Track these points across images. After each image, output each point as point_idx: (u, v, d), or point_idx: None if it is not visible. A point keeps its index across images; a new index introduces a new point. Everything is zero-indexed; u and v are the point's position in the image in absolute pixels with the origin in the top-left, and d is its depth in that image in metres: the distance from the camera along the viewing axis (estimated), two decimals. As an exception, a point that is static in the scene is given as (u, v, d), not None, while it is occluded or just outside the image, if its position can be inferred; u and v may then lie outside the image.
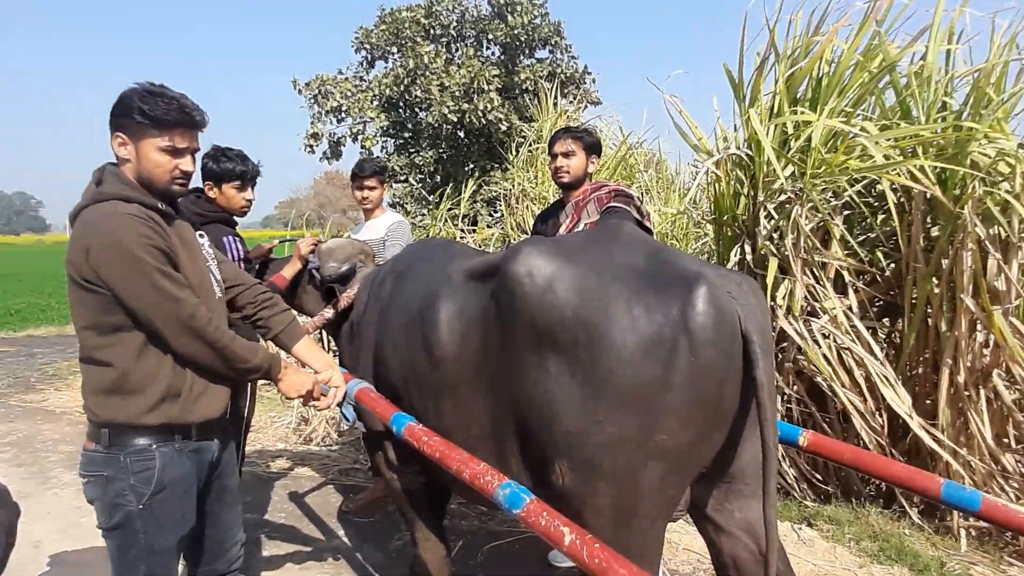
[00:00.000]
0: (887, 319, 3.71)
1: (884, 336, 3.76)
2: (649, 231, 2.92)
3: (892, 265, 3.56)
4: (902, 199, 3.37)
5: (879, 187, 3.35)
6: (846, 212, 3.59)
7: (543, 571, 3.15)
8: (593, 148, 3.06)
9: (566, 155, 3.01)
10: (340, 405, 2.14)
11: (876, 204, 3.55)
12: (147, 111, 1.73)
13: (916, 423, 3.15)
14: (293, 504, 4.03)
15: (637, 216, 2.86)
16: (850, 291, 3.48)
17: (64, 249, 1.85)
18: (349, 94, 10.38)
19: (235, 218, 3.09)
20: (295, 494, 4.18)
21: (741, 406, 1.63)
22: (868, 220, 3.37)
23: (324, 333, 3.49)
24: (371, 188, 3.75)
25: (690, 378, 1.52)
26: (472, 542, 3.45)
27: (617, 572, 1.23)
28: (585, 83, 10.97)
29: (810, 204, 3.25)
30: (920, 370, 3.49)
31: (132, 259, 1.68)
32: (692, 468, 1.64)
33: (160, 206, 1.81)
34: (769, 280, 3.28)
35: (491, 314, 1.77)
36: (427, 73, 9.82)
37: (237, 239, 3.03)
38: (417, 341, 1.99)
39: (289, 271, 2.92)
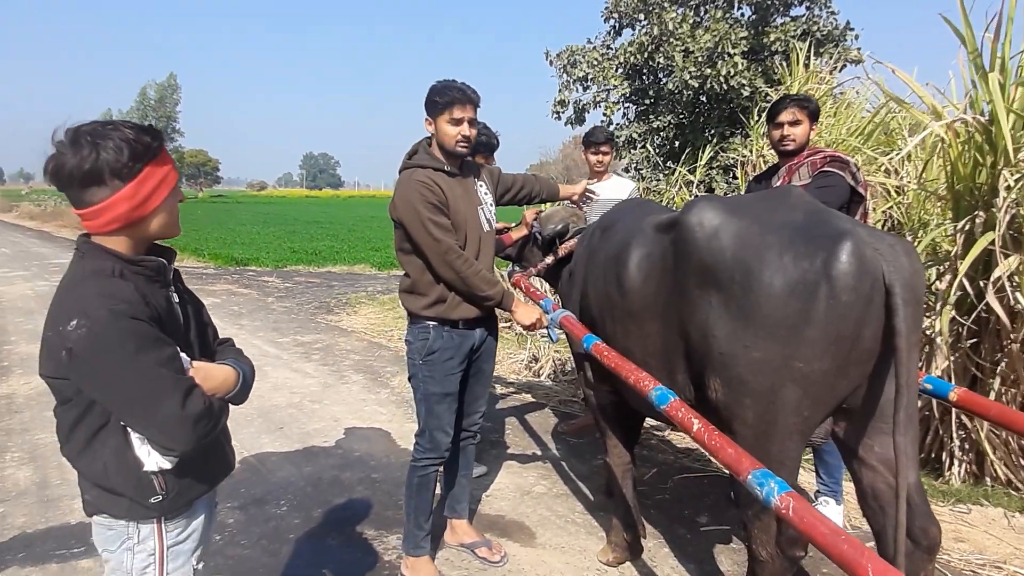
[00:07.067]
0: None
1: None
2: (862, 198, 2.95)
3: None
4: None
5: None
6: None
7: (724, 505, 3.46)
8: (815, 115, 3.11)
9: (793, 123, 3.06)
10: (548, 327, 2.74)
11: None
12: (436, 97, 2.56)
13: None
14: (518, 421, 4.81)
15: (851, 183, 2.91)
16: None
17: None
18: (595, 63, 10.84)
19: None
20: (520, 414, 4.97)
21: (884, 350, 1.84)
22: None
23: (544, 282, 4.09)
24: (605, 153, 4.22)
25: (827, 317, 1.78)
26: (665, 471, 3.88)
27: (727, 451, 1.61)
28: (846, 40, 10.12)
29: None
30: None
31: (413, 210, 2.53)
32: (828, 396, 1.89)
33: (446, 168, 2.60)
34: (971, 255, 3.10)
35: (669, 256, 2.17)
36: (671, 39, 9.88)
37: None
38: (612, 278, 2.46)
39: (516, 233, 3.54)
